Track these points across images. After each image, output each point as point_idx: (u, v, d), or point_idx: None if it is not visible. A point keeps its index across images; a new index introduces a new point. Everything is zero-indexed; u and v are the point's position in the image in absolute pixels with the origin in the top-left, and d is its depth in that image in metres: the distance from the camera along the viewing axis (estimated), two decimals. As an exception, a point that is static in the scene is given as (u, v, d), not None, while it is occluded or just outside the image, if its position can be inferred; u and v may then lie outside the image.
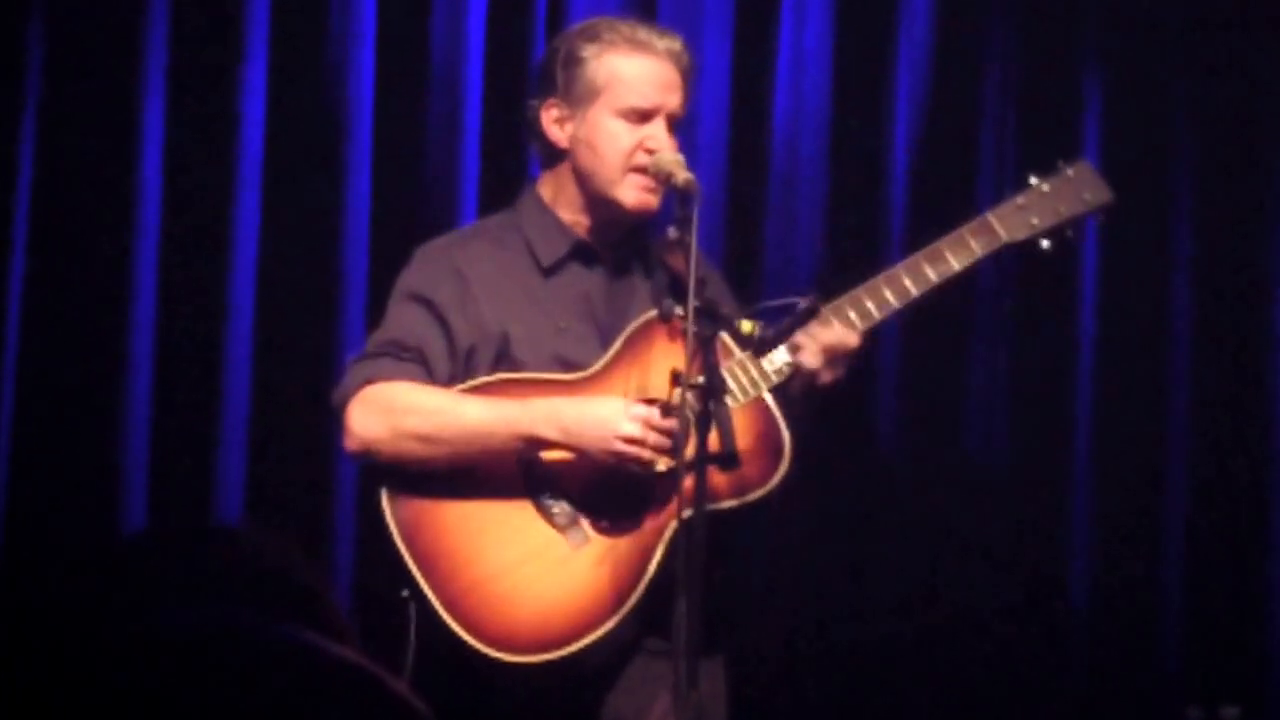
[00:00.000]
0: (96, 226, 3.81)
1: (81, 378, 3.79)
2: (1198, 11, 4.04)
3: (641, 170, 2.94)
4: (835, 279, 3.89)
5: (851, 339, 2.90)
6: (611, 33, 3.00)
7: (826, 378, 2.90)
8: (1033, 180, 3.03)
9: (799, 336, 2.89)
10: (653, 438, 2.80)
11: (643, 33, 3.02)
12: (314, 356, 3.16)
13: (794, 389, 2.93)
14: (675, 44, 3.01)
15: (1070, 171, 3.05)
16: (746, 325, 2.92)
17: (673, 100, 2.98)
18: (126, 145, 3.83)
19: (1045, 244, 3.01)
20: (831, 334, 2.89)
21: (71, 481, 3.75)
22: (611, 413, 2.82)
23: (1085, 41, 4.08)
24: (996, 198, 3.96)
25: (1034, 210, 3.01)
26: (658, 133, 2.96)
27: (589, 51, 2.98)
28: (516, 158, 3.70)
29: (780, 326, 2.97)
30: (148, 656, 1.18)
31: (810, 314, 2.97)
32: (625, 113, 2.96)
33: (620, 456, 2.81)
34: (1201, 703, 3.07)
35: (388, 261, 3.11)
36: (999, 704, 3.95)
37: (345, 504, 3.80)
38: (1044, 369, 4.04)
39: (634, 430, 2.80)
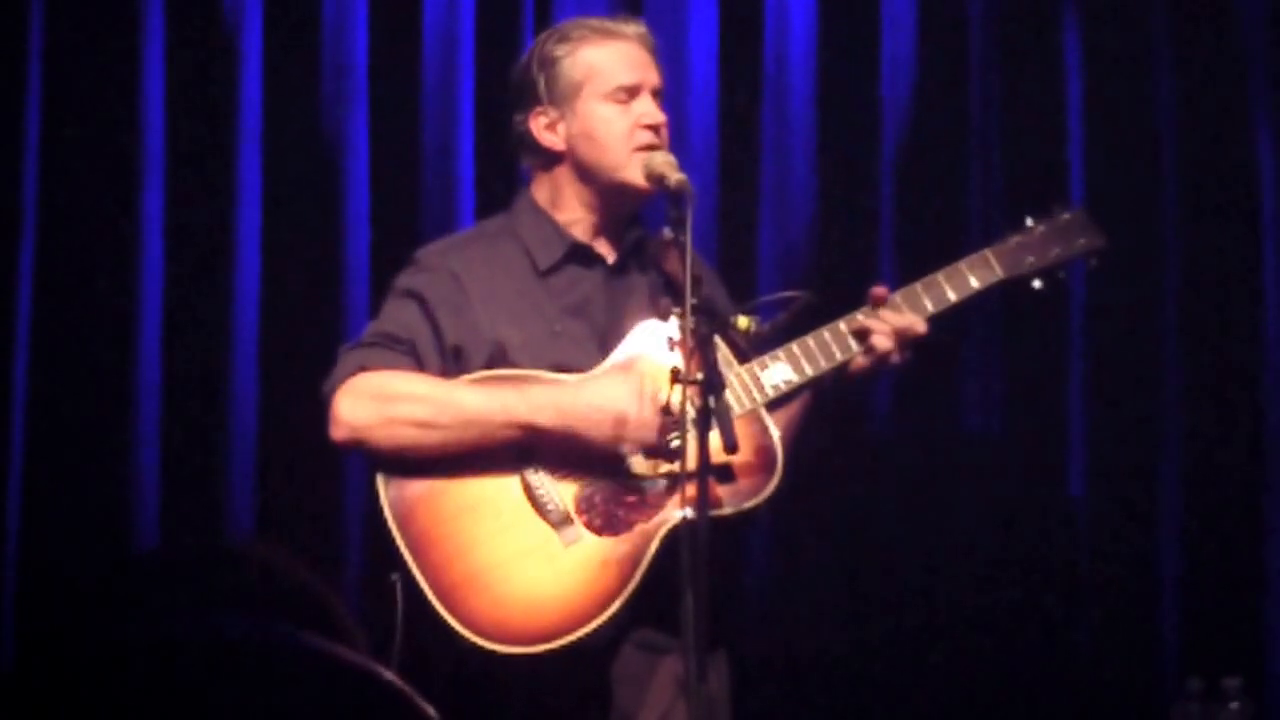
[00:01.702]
0: (101, 261, 3.88)
1: (91, 408, 3.85)
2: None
3: (645, 148, 2.99)
4: (831, 274, 3.98)
5: (920, 324, 2.96)
6: (578, 29, 3.08)
7: (897, 360, 2.96)
8: (1029, 221, 3.11)
9: (867, 322, 2.94)
10: (649, 411, 2.83)
11: (608, 22, 3.11)
12: (318, 379, 3.20)
13: (848, 378, 2.97)
14: (640, 27, 3.10)
15: (1066, 216, 3.13)
16: (743, 321, 2.97)
17: (652, 76, 3.06)
18: (128, 181, 3.90)
19: (1037, 284, 3.09)
20: (902, 319, 2.96)
21: (84, 509, 3.81)
22: (612, 389, 2.86)
23: (1069, 45, 4.12)
24: (983, 195, 4.05)
25: (1031, 250, 3.08)
26: (648, 107, 3.02)
27: (562, 51, 3.05)
28: (511, 180, 3.75)
29: (776, 321, 3.01)
30: (162, 663, 1.23)
31: (806, 309, 3.02)
32: (612, 94, 3.01)
33: (619, 439, 2.84)
34: (1202, 674, 3.10)
35: (388, 281, 3.14)
36: (1003, 677, 3.97)
37: (354, 523, 3.83)
38: (1037, 362, 4.08)
39: (636, 408, 2.84)
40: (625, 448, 2.85)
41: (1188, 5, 4.10)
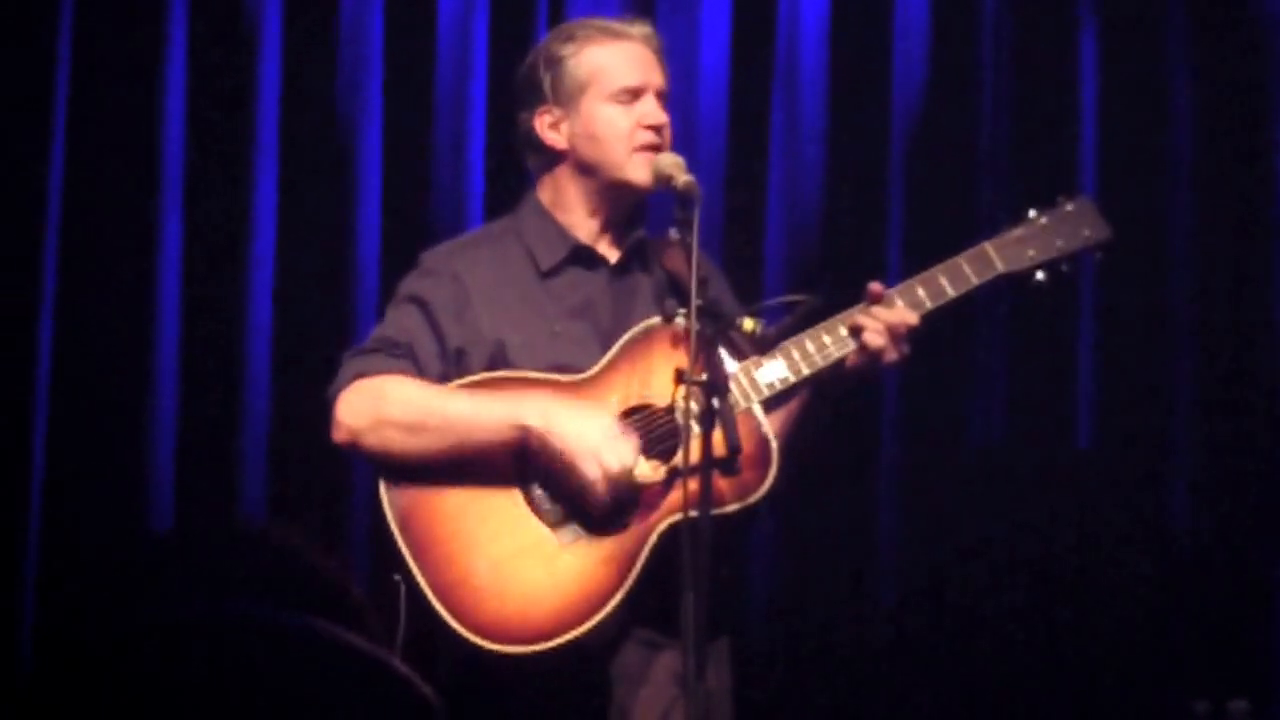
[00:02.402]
0: (121, 249, 3.95)
1: (109, 394, 3.92)
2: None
3: (646, 148, 3.00)
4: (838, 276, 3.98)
5: (912, 317, 2.92)
6: (585, 29, 3.10)
7: (892, 356, 2.92)
8: (1031, 213, 3.05)
9: (860, 318, 2.91)
10: (621, 451, 2.83)
11: (614, 23, 3.12)
12: (330, 369, 3.25)
13: (846, 376, 2.94)
14: (646, 28, 3.11)
15: (1070, 206, 3.06)
16: (748, 323, 2.96)
17: (656, 78, 3.07)
18: (148, 170, 3.96)
19: (1040, 276, 3.02)
20: (894, 314, 2.92)
21: (101, 492, 3.88)
22: (592, 419, 2.86)
23: (1082, 54, 4.11)
24: (993, 198, 4.05)
25: (1032, 243, 3.02)
26: (650, 108, 3.03)
27: (567, 50, 3.06)
28: (521, 174, 3.75)
29: (782, 324, 3.00)
30: (168, 648, 1.21)
31: (812, 312, 3.00)
32: (616, 95, 3.03)
33: (587, 456, 2.83)
34: (1209, 697, 3.07)
35: (399, 275, 3.18)
36: (1006, 697, 3.97)
37: (363, 509, 3.85)
38: (1044, 367, 4.07)
39: (608, 439, 2.83)
40: (590, 468, 2.83)
41: (1206, 10, 4.10)
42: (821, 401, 3.00)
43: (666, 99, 3.07)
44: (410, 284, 3.06)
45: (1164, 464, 4.04)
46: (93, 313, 3.91)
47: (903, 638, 3.98)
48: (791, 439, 2.98)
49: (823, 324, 2.96)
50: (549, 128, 3.06)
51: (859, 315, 2.94)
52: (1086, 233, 3.04)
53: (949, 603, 3.98)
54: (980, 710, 3.97)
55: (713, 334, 2.73)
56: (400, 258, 3.34)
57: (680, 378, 2.69)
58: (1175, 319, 4.06)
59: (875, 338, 2.90)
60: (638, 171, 3.00)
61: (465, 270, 3.03)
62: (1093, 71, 4.11)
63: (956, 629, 3.97)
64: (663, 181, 2.95)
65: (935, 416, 4.05)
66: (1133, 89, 4.10)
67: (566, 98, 3.04)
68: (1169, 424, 4.04)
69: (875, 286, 2.95)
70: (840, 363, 2.94)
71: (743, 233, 4.04)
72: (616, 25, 3.10)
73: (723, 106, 4.08)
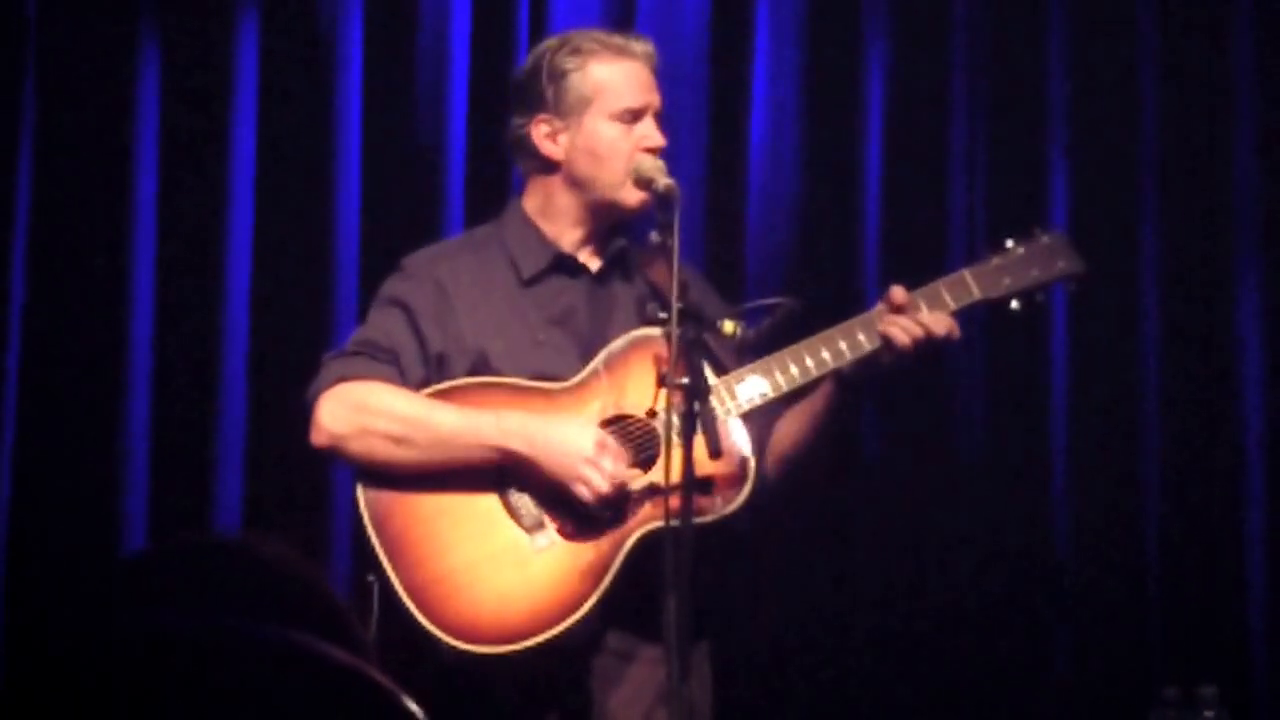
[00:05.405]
0: (93, 250, 3.90)
1: (81, 399, 3.86)
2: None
3: None
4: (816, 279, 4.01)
5: (954, 330, 2.97)
6: (591, 42, 3.09)
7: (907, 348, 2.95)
8: (1008, 244, 3.11)
9: (889, 326, 2.95)
10: (610, 469, 2.87)
11: (619, 39, 3.12)
12: (308, 373, 3.23)
13: (876, 369, 2.99)
14: (649, 46, 3.12)
15: (1045, 239, 3.13)
16: (729, 326, 2.99)
17: (656, 99, 3.09)
18: (121, 170, 3.91)
19: (1015, 304, 3.09)
20: (940, 324, 2.96)
21: (73, 501, 3.82)
22: (579, 437, 2.89)
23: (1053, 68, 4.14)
24: (966, 200, 4.08)
25: (1009, 272, 3.09)
26: (651, 131, 3.06)
27: (573, 63, 3.06)
28: (502, 175, 3.76)
29: (761, 327, 3.03)
30: (137, 659, 1.22)
31: (790, 315, 3.03)
32: (619, 115, 3.04)
33: (577, 480, 2.87)
34: (1178, 683, 3.12)
35: (377, 278, 3.18)
36: (980, 686, 3.99)
37: (341, 518, 3.84)
38: (1020, 369, 4.10)
39: (596, 458, 2.87)
40: (582, 490, 2.88)
41: (1176, 15, 4.13)
42: (845, 390, 3.02)
43: (662, 119, 3.09)
44: (392, 287, 3.07)
45: (1138, 459, 4.07)
46: (64, 315, 3.86)
47: (882, 633, 4.00)
48: (815, 432, 3.03)
49: (805, 342, 2.99)
50: (546, 137, 3.06)
51: (887, 319, 2.96)
52: (1061, 264, 3.13)
53: (928, 598, 4.00)
54: (959, 692, 4.00)
55: (694, 337, 2.76)
56: (379, 261, 3.32)
57: (662, 381, 2.74)
58: (1144, 318, 4.09)
59: (901, 336, 2.94)
60: (631, 195, 3.02)
61: (448, 276, 3.04)
62: (1061, 71, 4.14)
63: (935, 624, 4.00)
64: (643, 185, 2.97)
65: (915, 414, 4.08)
66: (1103, 88, 4.13)
67: (568, 110, 3.04)
68: (1142, 421, 4.07)
69: (898, 291, 2.98)
70: (817, 380, 2.98)
71: (722, 231, 4.04)
72: (620, 41, 3.10)
73: (703, 104, 4.07)
